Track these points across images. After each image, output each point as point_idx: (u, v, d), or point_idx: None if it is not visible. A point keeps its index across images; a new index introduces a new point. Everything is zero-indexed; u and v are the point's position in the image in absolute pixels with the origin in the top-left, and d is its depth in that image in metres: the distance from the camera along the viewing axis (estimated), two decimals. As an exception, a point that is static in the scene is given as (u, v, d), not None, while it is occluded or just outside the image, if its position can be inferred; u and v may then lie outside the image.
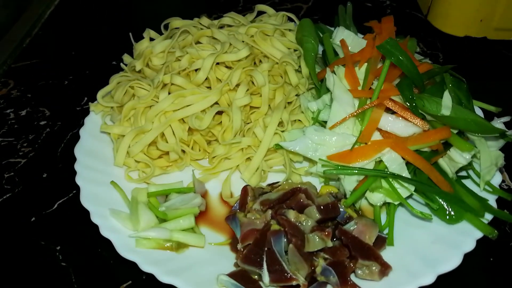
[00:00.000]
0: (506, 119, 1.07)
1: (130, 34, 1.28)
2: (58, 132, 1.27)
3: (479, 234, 0.94)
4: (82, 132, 1.14)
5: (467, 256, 0.91)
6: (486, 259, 0.98)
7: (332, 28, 1.33)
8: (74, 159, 1.08)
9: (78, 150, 1.09)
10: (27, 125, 1.30)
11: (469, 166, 1.04)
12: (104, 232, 0.94)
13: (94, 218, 0.96)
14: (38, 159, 1.20)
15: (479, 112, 1.16)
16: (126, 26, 1.68)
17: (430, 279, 0.87)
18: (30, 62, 1.52)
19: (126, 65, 1.26)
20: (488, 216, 0.97)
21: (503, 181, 1.11)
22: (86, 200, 0.99)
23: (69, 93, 1.40)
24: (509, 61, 1.53)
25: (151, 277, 0.88)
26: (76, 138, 1.14)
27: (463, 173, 1.07)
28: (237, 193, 1.05)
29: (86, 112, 1.21)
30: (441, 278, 0.88)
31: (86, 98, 1.37)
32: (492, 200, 1.00)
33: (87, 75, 1.47)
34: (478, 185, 1.03)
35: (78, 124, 1.27)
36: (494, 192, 1.02)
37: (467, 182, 1.04)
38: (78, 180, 1.03)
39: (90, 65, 1.50)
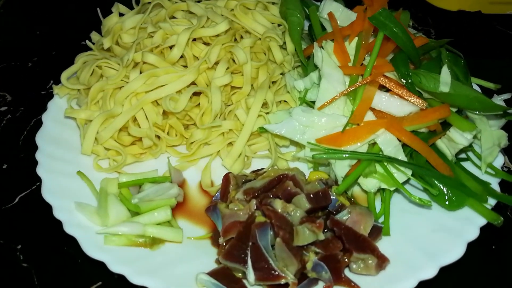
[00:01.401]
0: (506, 96, 1.03)
1: (98, 9, 1.21)
2: (20, 118, 1.21)
3: (482, 221, 0.90)
4: (45, 117, 1.08)
5: (469, 245, 0.87)
6: (488, 248, 0.94)
7: (319, 3, 1.27)
8: (37, 148, 1.01)
9: (40, 138, 1.04)
10: (-15, 112, 1.23)
11: (469, 147, 1.01)
12: (69, 228, 0.88)
13: (57, 213, 0.90)
14: (-2, 149, 1.13)
15: (476, 90, 1.11)
16: (96, 2, 1.58)
17: (432, 272, 0.83)
18: (-11, 43, 1.45)
19: (94, 43, 1.19)
20: (491, 201, 0.93)
21: (503, 163, 1.06)
22: (48, 193, 0.93)
23: (33, 76, 1.34)
24: (504, 36, 1.49)
25: (124, 277, 0.83)
26: (40, 124, 1.07)
27: (462, 155, 1.03)
28: (218, 181, 1.01)
29: (52, 96, 1.14)
30: (443, 270, 0.84)
31: (52, 81, 1.30)
32: (494, 183, 0.97)
33: (53, 56, 1.40)
34: (479, 167, 0.99)
35: (43, 109, 1.19)
36: (497, 175, 0.98)
37: (467, 165, 1.01)
38: (40, 171, 0.97)
39: (56, 46, 1.43)
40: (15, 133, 1.15)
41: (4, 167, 1.08)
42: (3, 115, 1.20)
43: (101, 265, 0.84)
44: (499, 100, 1.02)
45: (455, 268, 0.86)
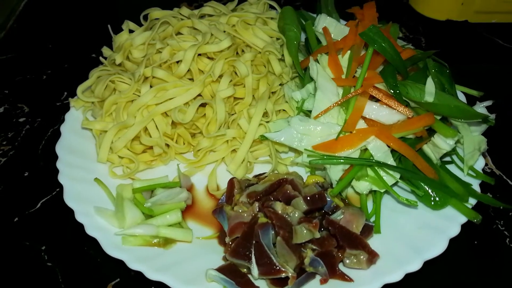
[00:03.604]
0: (488, 103, 1.07)
1: (109, 26, 1.26)
2: (38, 128, 1.25)
3: (463, 219, 0.95)
4: (63, 128, 1.12)
5: (452, 241, 0.93)
6: (471, 243, 1.00)
7: (314, 15, 1.32)
8: (56, 156, 1.06)
9: (60, 148, 1.08)
10: (5, 123, 1.27)
11: (452, 151, 1.05)
12: (90, 231, 0.93)
13: (79, 217, 0.95)
14: (19, 157, 1.18)
15: (461, 97, 1.16)
16: (104, 17, 1.64)
17: (417, 266, 0.88)
18: (5, 57, 1.49)
19: (105, 58, 1.23)
20: (472, 201, 0.98)
21: (486, 164, 1.12)
22: (70, 199, 0.98)
23: (48, 88, 1.38)
24: (489, 43, 1.54)
25: (139, 273, 0.88)
26: (57, 134, 1.12)
27: (447, 158, 1.08)
28: (223, 185, 1.05)
29: (66, 107, 1.19)
30: (427, 264, 0.90)
31: (66, 93, 1.35)
32: (475, 184, 1.02)
33: (66, 69, 1.44)
34: (462, 170, 1.04)
35: (58, 120, 1.25)
36: (477, 176, 1.03)
37: (451, 167, 1.06)
38: (61, 178, 1.01)
39: (69, 59, 1.47)
40: (34, 143, 1.20)
41: (25, 174, 1.13)
42: (22, 126, 1.25)
43: (119, 264, 0.89)
44: (481, 107, 1.06)
45: (439, 262, 0.91)
